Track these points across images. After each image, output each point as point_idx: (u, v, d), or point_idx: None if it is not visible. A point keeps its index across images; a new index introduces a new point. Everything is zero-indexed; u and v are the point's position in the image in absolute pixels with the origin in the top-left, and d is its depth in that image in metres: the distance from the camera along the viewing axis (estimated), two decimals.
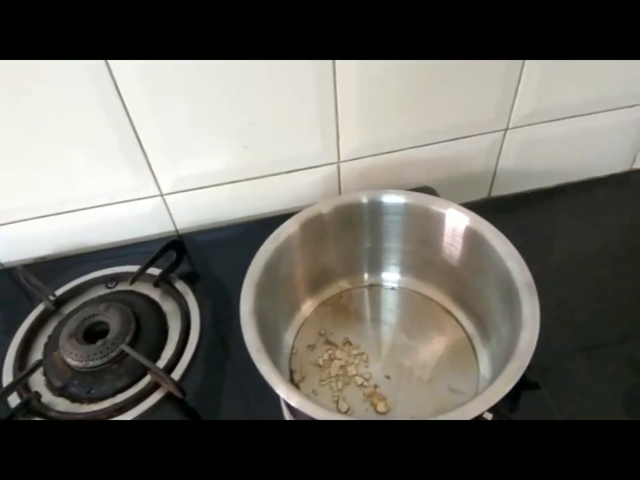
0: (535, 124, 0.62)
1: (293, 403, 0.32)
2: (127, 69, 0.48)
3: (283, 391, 0.33)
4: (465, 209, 0.44)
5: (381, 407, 0.43)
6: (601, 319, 0.54)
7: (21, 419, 0.46)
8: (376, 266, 0.52)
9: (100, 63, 0.47)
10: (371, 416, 0.35)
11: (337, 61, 0.51)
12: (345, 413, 0.43)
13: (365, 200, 0.46)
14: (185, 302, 0.55)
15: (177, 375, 0.49)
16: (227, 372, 0.50)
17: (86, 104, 0.50)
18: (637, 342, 0.52)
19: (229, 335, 0.52)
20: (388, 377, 0.46)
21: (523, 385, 0.47)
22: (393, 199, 0.45)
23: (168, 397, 0.48)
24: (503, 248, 0.40)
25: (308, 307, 0.51)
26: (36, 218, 0.59)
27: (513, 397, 0.47)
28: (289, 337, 0.48)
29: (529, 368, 0.46)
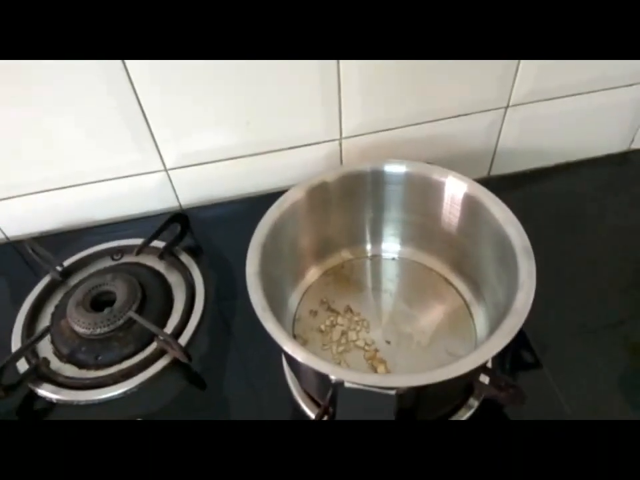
0: (535, 102, 0.62)
1: (299, 358, 0.34)
2: None
3: (289, 347, 0.34)
4: (464, 177, 0.45)
5: (381, 369, 0.44)
6: (600, 300, 0.55)
7: (30, 385, 0.48)
8: (377, 237, 0.53)
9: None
10: (368, 373, 0.36)
11: None
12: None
13: (367, 169, 0.47)
14: (190, 274, 0.57)
15: (182, 341, 0.50)
16: (230, 340, 0.51)
17: (93, 81, 0.51)
18: (634, 323, 0.53)
19: (232, 305, 0.53)
20: (388, 342, 0.47)
21: (524, 362, 0.48)
22: (394, 168, 0.46)
23: (173, 363, 0.49)
24: (501, 214, 0.41)
25: (311, 274, 0.52)
26: (41, 192, 0.60)
27: (511, 365, 0.48)
28: (292, 303, 0.49)
29: (530, 349, 0.48)
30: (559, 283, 0.55)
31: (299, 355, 0.34)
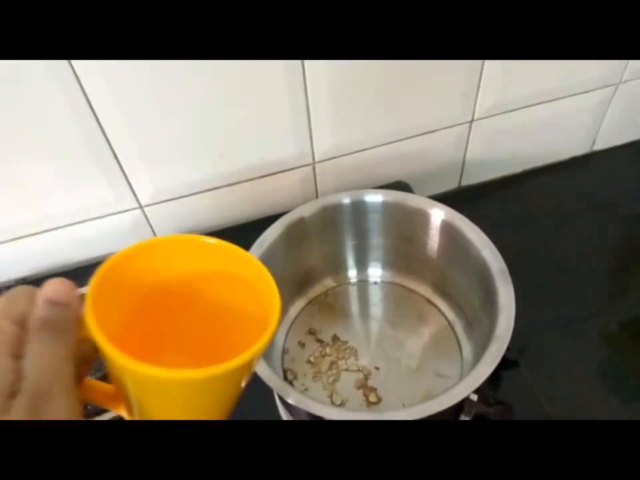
0: (499, 114, 0.64)
1: (290, 401, 0.34)
2: (97, 81, 0.48)
3: (280, 389, 0.35)
4: (440, 204, 0.46)
5: (372, 397, 0.45)
6: (571, 296, 0.57)
7: None
8: (358, 263, 0.54)
9: (68, 74, 0.47)
10: (363, 410, 0.37)
11: (306, 65, 0.53)
12: (340, 405, 0.45)
13: (345, 200, 0.48)
14: None
15: None
16: None
17: (56, 119, 0.50)
18: (606, 315, 0.55)
19: None
20: (377, 369, 0.48)
21: (503, 364, 0.50)
22: (371, 197, 0.47)
23: None
24: (477, 239, 0.43)
25: (296, 307, 0.52)
26: (12, 240, 0.58)
27: (495, 377, 0.50)
28: (279, 338, 0.49)
29: (508, 348, 0.49)
30: (531, 283, 0.56)
31: (290, 397, 0.35)
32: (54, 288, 0.24)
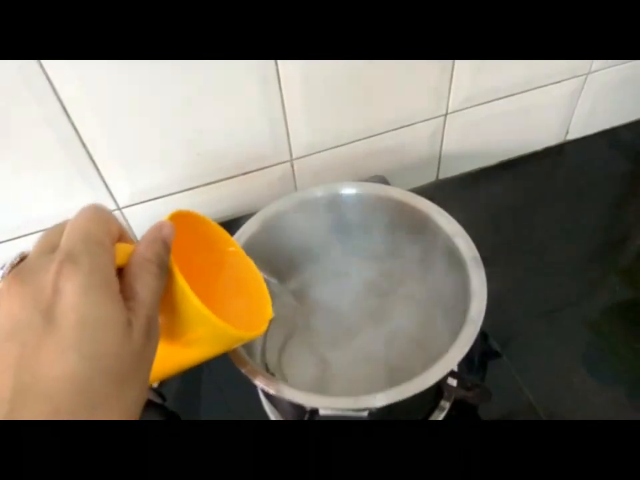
0: (472, 107, 0.66)
1: (272, 392, 0.35)
2: (70, 84, 0.48)
3: (262, 381, 0.35)
4: (413, 194, 0.47)
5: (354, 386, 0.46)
6: (552, 285, 0.58)
7: None
8: (336, 255, 0.54)
9: (40, 77, 0.46)
10: (342, 396, 0.37)
11: (279, 63, 0.53)
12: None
13: (320, 194, 0.48)
14: None
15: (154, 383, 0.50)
16: (203, 376, 0.51)
17: (30, 123, 0.50)
18: (588, 302, 0.56)
19: None
20: (355, 357, 0.48)
21: (486, 355, 0.51)
22: (346, 190, 0.48)
23: (147, 404, 0.49)
24: (449, 227, 0.43)
25: (276, 299, 0.52)
26: None
27: (480, 366, 0.51)
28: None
29: (489, 339, 0.50)
30: (511, 273, 0.58)
31: (272, 388, 0.35)
32: (172, 234, 0.29)
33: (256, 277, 0.37)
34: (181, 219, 0.33)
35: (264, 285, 0.37)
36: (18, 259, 0.26)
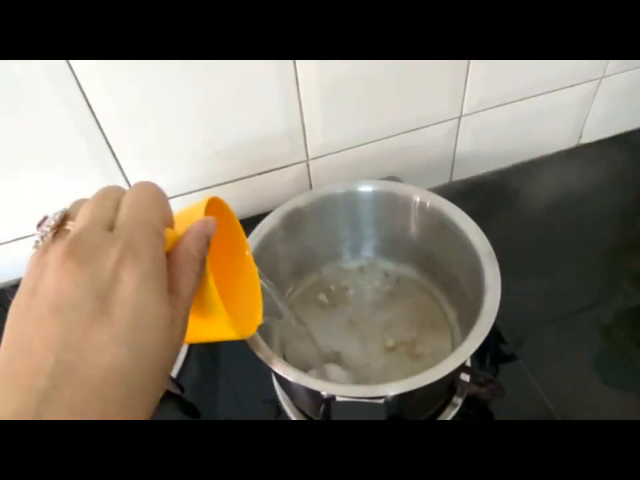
0: (486, 110, 0.66)
1: (290, 378, 0.36)
2: (96, 82, 0.50)
3: (280, 369, 0.36)
4: (427, 192, 0.48)
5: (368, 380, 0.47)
6: (564, 289, 0.58)
7: None
8: (353, 251, 0.56)
9: (68, 78, 0.48)
10: (355, 385, 0.38)
11: (298, 65, 0.55)
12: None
13: (339, 191, 0.49)
14: None
15: (172, 374, 0.51)
16: (218, 367, 0.52)
17: (57, 124, 0.52)
18: (602, 306, 0.56)
19: None
20: (369, 351, 0.49)
21: (500, 356, 0.51)
22: (364, 187, 0.49)
23: (165, 396, 0.50)
24: (464, 223, 0.44)
25: (293, 293, 0.54)
26: (20, 239, 0.60)
27: (490, 367, 0.51)
28: (276, 325, 0.51)
29: (504, 341, 0.51)
30: (525, 276, 0.58)
31: (290, 375, 0.36)
32: (214, 231, 0.28)
33: (256, 283, 0.38)
34: (216, 206, 0.34)
35: (260, 292, 0.38)
36: (59, 219, 0.25)
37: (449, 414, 0.47)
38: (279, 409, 0.48)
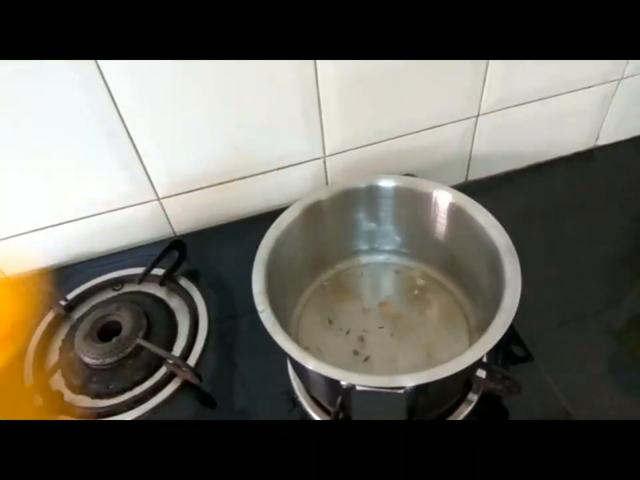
0: (503, 109, 0.66)
1: (309, 367, 0.36)
2: (120, 79, 0.51)
3: (300, 357, 0.37)
4: (447, 187, 0.48)
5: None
6: (578, 291, 0.58)
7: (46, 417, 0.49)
8: (371, 246, 0.56)
9: (93, 71, 0.49)
10: (375, 375, 0.38)
11: (318, 63, 0.55)
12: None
13: (361, 185, 0.50)
14: (191, 297, 0.58)
15: (191, 363, 0.52)
16: (236, 358, 0.53)
17: (80, 114, 0.53)
18: (613, 311, 0.56)
19: (234, 324, 0.55)
20: (386, 348, 0.50)
21: (517, 358, 0.51)
22: (384, 183, 0.50)
23: (183, 385, 0.51)
24: (483, 219, 0.45)
25: (309, 288, 0.54)
26: (38, 230, 0.61)
27: (507, 366, 0.51)
28: (294, 317, 0.52)
29: (521, 343, 0.51)
30: (541, 277, 0.58)
31: (310, 363, 0.36)
32: None
33: None
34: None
35: None
36: None
37: (465, 409, 0.47)
38: (294, 400, 0.49)
